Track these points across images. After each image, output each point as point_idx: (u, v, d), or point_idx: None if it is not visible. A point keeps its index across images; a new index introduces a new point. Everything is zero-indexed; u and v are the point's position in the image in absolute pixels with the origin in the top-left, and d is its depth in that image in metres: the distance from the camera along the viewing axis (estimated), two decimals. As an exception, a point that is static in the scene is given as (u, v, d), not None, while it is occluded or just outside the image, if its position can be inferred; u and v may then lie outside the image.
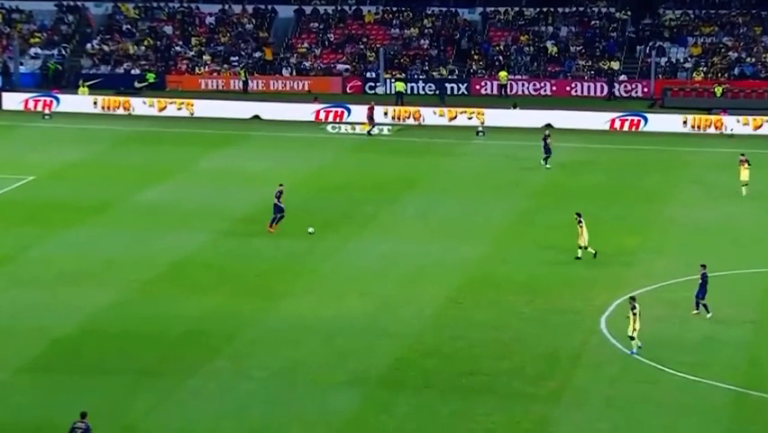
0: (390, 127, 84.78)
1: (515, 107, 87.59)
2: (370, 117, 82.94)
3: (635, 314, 44.93)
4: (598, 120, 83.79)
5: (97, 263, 56.29)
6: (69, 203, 65.72)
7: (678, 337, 47.87)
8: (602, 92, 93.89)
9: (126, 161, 75.43)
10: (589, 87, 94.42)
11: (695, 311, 49.21)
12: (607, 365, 45.23)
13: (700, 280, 49.44)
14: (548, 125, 75.06)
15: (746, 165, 67.18)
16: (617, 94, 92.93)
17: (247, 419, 41.18)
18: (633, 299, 45.86)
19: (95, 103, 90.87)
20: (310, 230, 49.56)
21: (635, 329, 44.98)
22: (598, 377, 44.44)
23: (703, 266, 49.71)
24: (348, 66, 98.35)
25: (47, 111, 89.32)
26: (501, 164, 75.27)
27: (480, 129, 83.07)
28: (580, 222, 56.29)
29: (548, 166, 72.17)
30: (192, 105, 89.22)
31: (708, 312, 48.90)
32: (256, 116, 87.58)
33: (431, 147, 79.77)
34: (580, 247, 56.21)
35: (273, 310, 50.66)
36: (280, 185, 61.03)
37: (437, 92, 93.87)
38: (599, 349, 46.76)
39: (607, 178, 70.38)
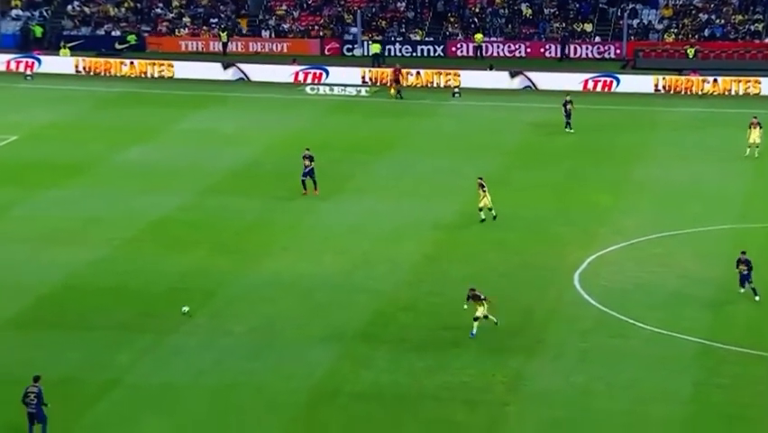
0: (368, 89, 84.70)
1: (490, 69, 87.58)
2: (396, 80, 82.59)
3: (483, 298, 43.63)
4: (572, 81, 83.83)
5: (79, 222, 56.30)
6: (51, 163, 65.60)
7: (648, 293, 48.20)
8: (575, 54, 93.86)
9: (107, 121, 75.25)
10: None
11: (741, 290, 47.43)
12: (580, 320, 45.56)
13: (744, 267, 47.34)
14: (568, 92, 73.94)
15: (759, 127, 66.58)
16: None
17: (227, 374, 41.39)
18: (473, 289, 43.98)
19: (76, 65, 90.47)
20: (184, 309, 43.58)
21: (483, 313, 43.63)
22: (571, 331, 44.78)
23: (743, 252, 47.83)
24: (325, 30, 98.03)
25: (28, 72, 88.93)
26: (477, 125, 75.33)
27: (457, 90, 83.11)
28: (482, 186, 55.76)
29: (571, 130, 71.49)
30: (172, 67, 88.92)
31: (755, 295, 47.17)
32: (240, 79, 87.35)
33: (408, 108, 79.79)
34: (481, 209, 55.76)
35: (252, 268, 50.78)
36: (307, 149, 60.66)
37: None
38: (573, 305, 47.07)
39: (580, 138, 70.56)
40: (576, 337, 44.29)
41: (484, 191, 55.85)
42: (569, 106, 71.55)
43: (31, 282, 48.84)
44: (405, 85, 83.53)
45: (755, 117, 67.70)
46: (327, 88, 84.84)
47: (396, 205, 59.23)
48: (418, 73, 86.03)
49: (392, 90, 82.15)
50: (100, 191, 61.18)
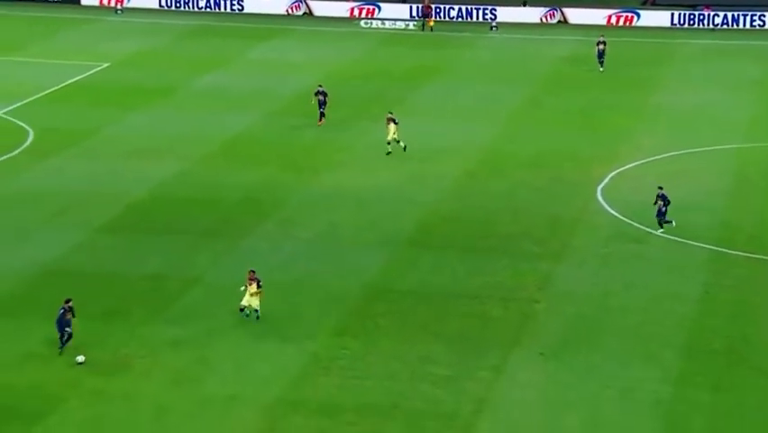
0: (415, 23, 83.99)
1: (524, 5, 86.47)
2: (425, 15, 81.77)
3: (260, 286, 37.57)
4: (596, 16, 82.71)
5: (163, 140, 56.49)
6: (139, 87, 65.72)
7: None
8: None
9: (187, 51, 75.15)
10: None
11: (661, 230, 44.47)
12: (602, 228, 45.44)
13: (662, 202, 44.33)
14: (601, 34, 72.06)
15: None
16: None
17: (293, 272, 41.73)
18: (252, 272, 37.74)
19: (159, 0, 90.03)
20: (79, 359, 35.07)
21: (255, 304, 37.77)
22: (594, 239, 44.71)
23: (660, 187, 44.95)
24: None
25: (119, 6, 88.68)
26: (512, 56, 74.66)
27: (494, 24, 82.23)
28: (392, 121, 52.87)
29: (602, 69, 68.51)
30: (243, 2, 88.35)
31: (671, 223, 44.66)
32: (304, 13, 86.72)
33: (450, 41, 79.14)
34: (389, 142, 53.05)
35: (314, 182, 50.90)
36: (320, 85, 59.06)
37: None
38: (596, 215, 46.95)
39: (605, 68, 69.79)
40: (598, 244, 44.23)
41: (396, 124, 52.74)
42: (601, 46, 69.03)
43: (121, 193, 49.21)
44: (441, 20, 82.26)
45: None
46: (379, 23, 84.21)
47: (440, 127, 59.01)
48: (460, 9, 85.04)
49: (429, 23, 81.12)
50: (181, 113, 61.32)
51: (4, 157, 53.62)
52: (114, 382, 33.98)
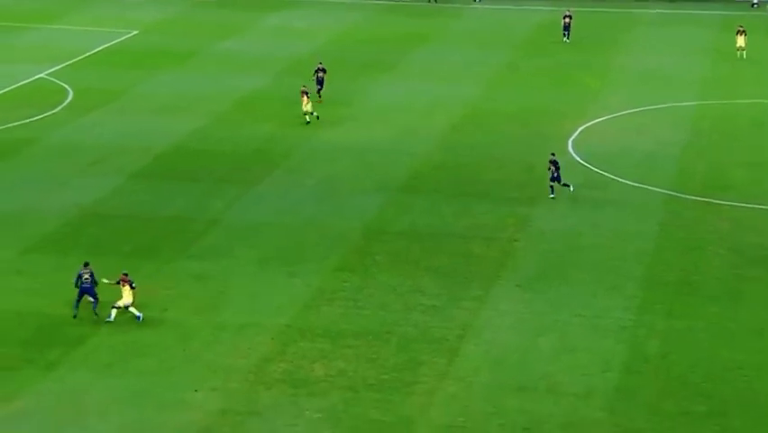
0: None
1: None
2: None
3: (133, 288, 33.18)
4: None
5: (185, 98, 56.06)
6: (164, 51, 65.17)
7: (627, 155, 47.73)
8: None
9: (206, 19, 74.44)
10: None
11: (552, 196, 42.21)
12: (572, 176, 45.07)
13: (553, 167, 42.05)
14: (568, 8, 70.58)
15: (744, 34, 61.36)
16: None
17: (300, 215, 41.56)
18: (126, 274, 33.28)
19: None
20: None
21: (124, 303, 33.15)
22: (565, 185, 44.44)
23: (552, 154, 42.97)
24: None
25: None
26: (495, 24, 74.00)
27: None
28: (305, 94, 50.84)
29: (568, 41, 66.46)
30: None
31: (569, 186, 42.54)
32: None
33: (440, 11, 78.40)
34: (305, 113, 50.88)
35: (317, 135, 50.55)
36: (320, 62, 55.82)
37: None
38: (567, 165, 46.52)
39: (573, 34, 69.20)
40: (569, 190, 43.97)
41: (307, 98, 50.70)
42: (567, 20, 67.31)
43: (150, 145, 48.91)
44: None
45: (741, 26, 63.40)
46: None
47: (431, 86, 58.57)
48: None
49: None
50: (201, 74, 60.83)
51: (48, 113, 53.25)
52: (144, 311, 33.86)
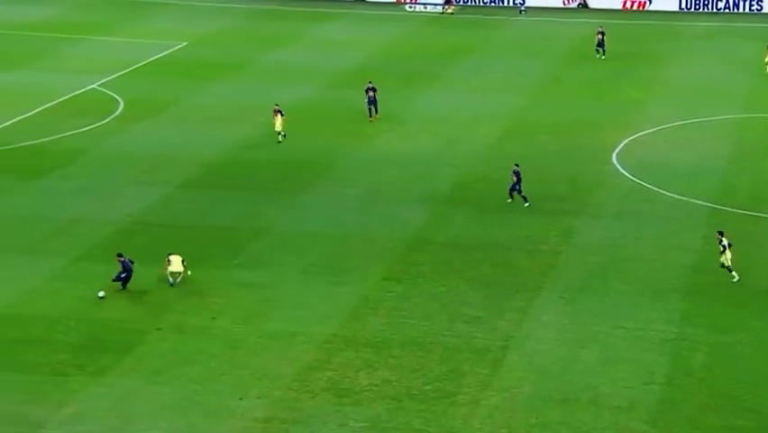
0: (453, 7, 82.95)
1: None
2: (447, 1, 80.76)
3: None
4: (613, 1, 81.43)
5: (234, 109, 56.41)
6: (213, 62, 65.61)
7: (671, 166, 47.39)
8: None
9: (255, 31, 74.88)
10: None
11: (510, 200, 42.89)
12: (616, 189, 44.99)
13: (515, 178, 42.57)
14: (600, 25, 69.76)
15: None
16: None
17: (346, 224, 41.68)
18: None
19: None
20: (101, 294, 35.27)
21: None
22: (609, 197, 44.25)
23: (516, 165, 43.20)
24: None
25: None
26: (538, 36, 73.75)
27: (523, 8, 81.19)
28: (279, 113, 50.22)
29: (603, 57, 64.61)
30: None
31: (526, 201, 42.71)
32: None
33: (484, 23, 78.30)
34: (278, 133, 50.19)
35: (364, 146, 50.66)
36: (369, 81, 54.67)
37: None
38: (611, 176, 46.46)
39: (617, 47, 68.76)
40: (613, 202, 43.77)
41: (282, 116, 50.13)
42: (600, 36, 65.82)
43: (199, 154, 49.26)
44: (475, 5, 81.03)
45: None
46: (421, 6, 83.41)
47: (475, 98, 58.49)
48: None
49: (449, 10, 79.85)
50: (250, 85, 61.16)
51: (99, 123, 53.81)
52: (192, 319, 34.13)
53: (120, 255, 36.09)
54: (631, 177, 46.20)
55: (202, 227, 41.25)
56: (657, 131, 52.59)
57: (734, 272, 36.52)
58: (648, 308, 35.01)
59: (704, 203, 43.38)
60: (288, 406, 29.63)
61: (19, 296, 35.88)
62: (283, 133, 50.44)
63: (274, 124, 50.58)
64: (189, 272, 36.18)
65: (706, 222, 41.67)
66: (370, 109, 53.77)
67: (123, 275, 35.60)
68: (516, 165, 43.35)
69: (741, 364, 31.67)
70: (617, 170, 47.15)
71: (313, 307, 35.16)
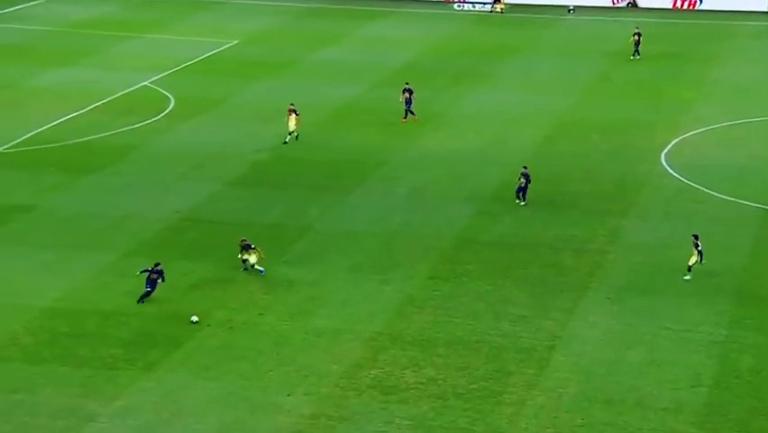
0: (502, 6, 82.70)
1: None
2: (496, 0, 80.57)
3: (253, 248, 36.91)
4: (664, 0, 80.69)
5: (283, 107, 56.24)
6: (263, 60, 65.91)
7: (720, 168, 46.87)
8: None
9: (304, 29, 75.13)
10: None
11: (519, 201, 42.63)
12: (664, 189, 44.61)
13: (524, 180, 42.41)
14: (636, 26, 69.12)
15: None
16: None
17: (392, 223, 41.68)
18: (244, 240, 37.20)
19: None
20: (194, 319, 33.89)
21: None
22: (658, 198, 43.89)
23: (525, 167, 43.08)
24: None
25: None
26: (587, 35, 73.27)
27: (572, 7, 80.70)
28: (291, 112, 49.47)
29: (638, 57, 63.82)
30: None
31: (524, 200, 42.65)
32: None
33: (532, 21, 77.95)
34: (289, 132, 49.72)
35: (411, 144, 50.65)
36: (406, 83, 54.07)
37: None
38: (660, 177, 46.07)
39: (667, 46, 68.12)
40: (661, 202, 43.40)
41: (297, 116, 49.49)
42: (636, 37, 64.76)
43: (247, 152, 49.51)
44: (525, 3, 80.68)
45: None
46: (470, 5, 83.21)
47: (523, 96, 58.26)
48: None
49: (498, 8, 79.48)
50: (298, 83, 61.36)
51: (150, 120, 54.30)
52: (240, 315, 34.34)
53: (149, 270, 34.97)
54: (679, 177, 45.76)
55: (250, 224, 41.47)
56: (706, 131, 52.03)
57: (690, 274, 36.12)
58: (696, 309, 34.68)
59: (754, 204, 42.85)
60: (334, 403, 29.74)
61: (70, 290, 36.33)
62: (296, 134, 50.04)
63: (287, 124, 50.14)
64: (260, 268, 36.72)
65: (755, 223, 41.18)
66: (406, 111, 53.30)
67: (148, 290, 35.00)
68: (525, 167, 43.07)
69: (790, 368, 31.25)
70: (666, 170, 46.73)
71: (359, 305, 35.24)
